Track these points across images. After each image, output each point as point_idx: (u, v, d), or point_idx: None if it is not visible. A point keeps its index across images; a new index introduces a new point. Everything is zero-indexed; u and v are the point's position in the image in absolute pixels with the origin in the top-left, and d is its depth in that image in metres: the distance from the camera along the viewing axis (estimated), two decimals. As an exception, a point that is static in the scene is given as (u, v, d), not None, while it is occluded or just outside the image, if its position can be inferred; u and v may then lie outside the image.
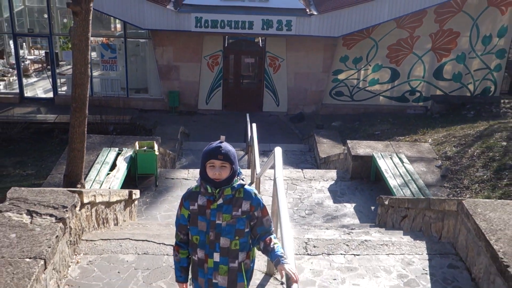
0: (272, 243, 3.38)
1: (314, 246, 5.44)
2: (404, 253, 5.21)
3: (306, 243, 5.54)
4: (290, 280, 3.02)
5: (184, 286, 3.71)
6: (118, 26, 19.35)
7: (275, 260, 3.23)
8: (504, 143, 10.14)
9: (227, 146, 3.36)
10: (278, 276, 4.77)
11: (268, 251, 3.36)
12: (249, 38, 18.63)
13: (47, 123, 16.65)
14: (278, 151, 5.12)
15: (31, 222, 4.28)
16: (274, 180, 4.63)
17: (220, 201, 3.37)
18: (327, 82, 18.47)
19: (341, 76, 18.49)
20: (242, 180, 3.47)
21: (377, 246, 5.38)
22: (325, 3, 17.35)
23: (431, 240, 5.67)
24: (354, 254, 5.15)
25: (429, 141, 11.51)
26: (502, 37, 17.90)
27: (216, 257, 3.41)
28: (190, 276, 3.66)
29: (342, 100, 18.79)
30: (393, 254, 5.21)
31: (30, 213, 4.41)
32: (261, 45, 18.82)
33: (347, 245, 5.37)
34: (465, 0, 17.13)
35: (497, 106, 16.57)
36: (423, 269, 4.86)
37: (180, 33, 17.18)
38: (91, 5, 7.46)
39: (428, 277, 4.73)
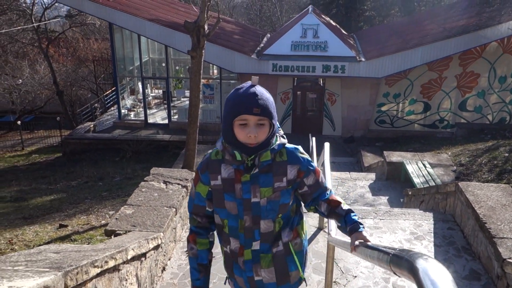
0: (341, 205, 2.04)
1: None
2: (416, 219, 5.28)
3: None
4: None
5: None
6: (215, 71, 20.13)
7: (351, 226, 1.93)
8: (506, 154, 10.30)
9: (263, 92, 1.88)
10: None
11: (338, 214, 2.02)
12: (312, 79, 18.62)
13: (164, 141, 17.53)
14: (327, 145, 5.06)
15: (166, 187, 4.69)
16: (323, 163, 4.56)
17: (255, 170, 1.93)
18: (373, 113, 18.44)
19: (384, 108, 18.42)
20: (283, 137, 2.02)
21: (397, 214, 5.62)
22: (371, 51, 17.50)
23: (437, 212, 5.93)
24: (380, 219, 5.29)
25: (449, 153, 11.81)
26: None
27: (256, 245, 2.04)
28: (226, 275, 2.26)
29: (385, 127, 18.68)
30: (408, 220, 5.35)
31: (165, 182, 4.81)
32: (321, 84, 18.83)
33: (375, 213, 5.48)
34: (484, 48, 16.91)
35: (510, 132, 16.33)
36: (429, 230, 5.00)
37: (260, 75, 16.85)
38: (203, 52, 8.79)
39: (432, 234, 4.86)
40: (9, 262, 2.33)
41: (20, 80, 24.60)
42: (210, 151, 2.11)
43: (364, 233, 1.87)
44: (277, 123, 1.97)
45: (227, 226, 2.06)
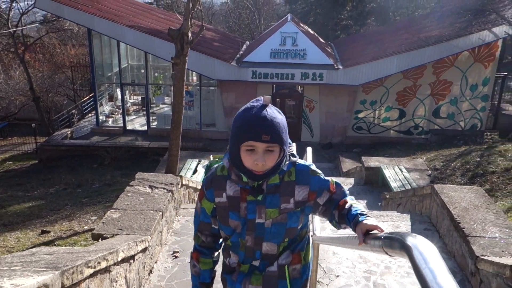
0: (347, 205, 1.85)
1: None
2: (394, 221, 5.55)
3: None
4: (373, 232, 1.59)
5: None
6: (195, 78, 20.16)
7: (354, 220, 1.73)
8: (478, 159, 10.61)
9: (275, 115, 1.69)
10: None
11: (344, 216, 1.82)
12: (291, 86, 18.74)
13: (143, 147, 17.42)
14: (309, 149, 5.05)
15: (151, 192, 4.76)
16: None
17: (261, 197, 1.82)
18: (350, 119, 18.60)
19: (361, 115, 18.62)
20: (293, 155, 1.84)
21: (376, 216, 5.70)
22: (348, 60, 17.75)
23: (414, 214, 6.15)
24: (360, 221, 5.75)
25: (424, 158, 12.14)
26: (485, 86, 17.93)
27: (256, 263, 1.94)
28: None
29: (362, 133, 18.87)
30: (387, 221, 5.55)
31: (150, 187, 4.87)
32: (300, 91, 18.98)
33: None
34: (456, 57, 17.28)
35: (481, 138, 16.80)
36: (406, 230, 5.03)
37: (240, 82, 17.47)
38: (187, 59, 8.88)
39: None
40: (4, 263, 2.37)
41: (-6, 86, 24.16)
42: (216, 165, 1.98)
43: (366, 222, 1.66)
44: (288, 142, 1.81)
45: (230, 241, 1.96)
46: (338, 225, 1.89)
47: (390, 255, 1.33)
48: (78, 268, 2.40)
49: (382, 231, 1.57)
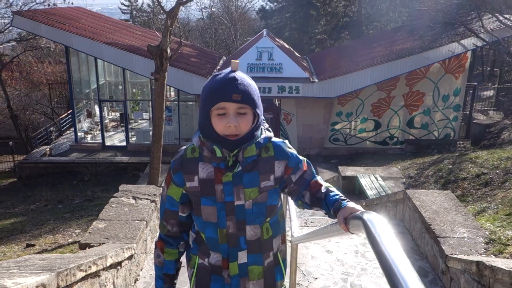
0: (322, 188, 1.80)
1: (311, 222, 6.38)
2: None
3: (306, 220, 6.47)
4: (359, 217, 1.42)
5: None
6: (173, 93, 20.12)
7: (334, 205, 1.67)
8: (450, 166, 10.89)
9: (244, 77, 1.65)
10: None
11: (319, 200, 1.78)
12: (268, 99, 18.83)
13: (123, 163, 17.47)
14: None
15: (135, 202, 4.90)
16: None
17: (239, 168, 1.69)
18: (327, 131, 18.86)
19: (337, 126, 18.85)
20: (268, 130, 1.78)
21: None
22: (324, 73, 18.07)
23: (389, 219, 6.33)
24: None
25: (398, 167, 12.46)
26: (457, 96, 18.34)
27: (243, 257, 1.77)
28: None
29: (338, 144, 19.09)
30: None
31: (134, 198, 5.00)
32: (277, 104, 19.17)
33: (332, 221, 6.27)
34: (428, 68, 17.68)
35: (454, 146, 17.21)
36: None
37: None
38: (166, 74, 9.07)
39: None
40: (1, 267, 2.50)
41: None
42: (184, 147, 1.83)
43: (349, 206, 1.60)
44: (262, 115, 1.71)
45: (205, 237, 1.78)
46: (307, 206, 1.84)
47: (354, 233, 1.52)
48: (71, 271, 2.55)
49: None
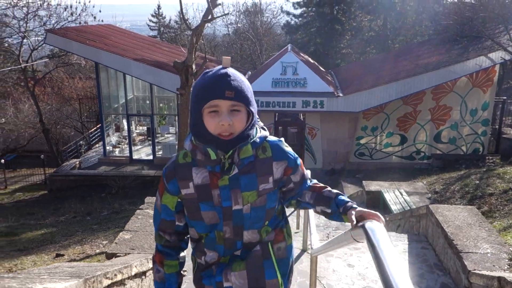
0: (327, 188, 1.83)
1: (333, 236, 6.21)
2: (392, 240, 5.38)
3: (328, 234, 6.49)
4: (374, 221, 1.47)
5: None
6: None
7: (343, 206, 1.68)
8: (477, 182, 10.74)
9: (237, 73, 1.59)
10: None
11: (327, 198, 1.76)
12: (293, 114, 18.95)
13: (149, 176, 17.65)
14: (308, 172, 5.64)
15: None
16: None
17: (235, 170, 1.62)
18: (352, 146, 18.73)
19: (362, 141, 18.72)
20: (263, 128, 1.73)
21: None
22: (349, 87, 18.00)
23: (412, 234, 6.24)
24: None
25: (424, 182, 12.31)
26: (485, 110, 18.03)
27: (237, 252, 1.74)
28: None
29: (364, 159, 18.94)
30: None
31: None
32: (302, 118, 19.15)
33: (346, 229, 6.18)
34: (455, 82, 17.47)
35: (483, 162, 16.86)
36: (404, 249, 5.27)
37: None
38: (191, 90, 9.26)
39: (407, 253, 5.17)
40: (33, 274, 2.65)
41: (3, 119, 24.74)
42: (175, 154, 1.76)
43: (358, 208, 1.60)
44: (257, 114, 1.65)
45: (205, 238, 1.73)
46: (307, 205, 1.83)
47: (359, 241, 1.56)
48: (98, 278, 2.68)
49: (383, 221, 1.49)
